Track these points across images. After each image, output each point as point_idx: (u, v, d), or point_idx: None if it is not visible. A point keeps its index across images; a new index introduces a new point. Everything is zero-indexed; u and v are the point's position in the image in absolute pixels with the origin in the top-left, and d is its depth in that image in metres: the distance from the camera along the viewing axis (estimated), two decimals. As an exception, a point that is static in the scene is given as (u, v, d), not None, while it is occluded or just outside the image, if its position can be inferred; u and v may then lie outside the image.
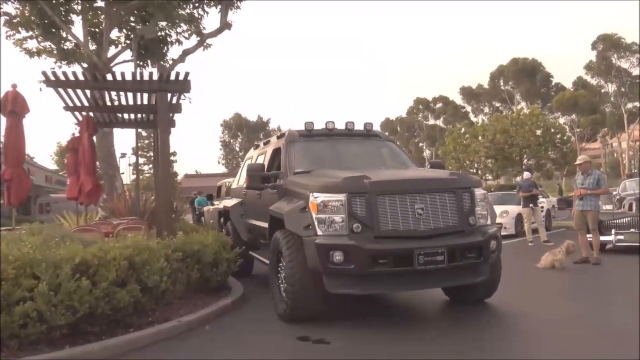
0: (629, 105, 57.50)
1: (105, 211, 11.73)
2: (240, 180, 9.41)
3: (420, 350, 4.55)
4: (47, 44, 14.53)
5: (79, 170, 9.98)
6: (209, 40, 14.45)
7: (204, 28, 14.39)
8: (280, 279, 5.82)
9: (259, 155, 8.42)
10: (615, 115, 58.52)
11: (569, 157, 19.48)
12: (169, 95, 7.76)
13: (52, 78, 7.02)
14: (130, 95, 8.93)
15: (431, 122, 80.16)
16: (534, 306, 6.12)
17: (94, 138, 9.48)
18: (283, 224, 5.81)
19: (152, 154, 58.56)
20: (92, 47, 14.33)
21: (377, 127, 7.54)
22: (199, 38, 14.25)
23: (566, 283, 7.86)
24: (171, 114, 8.96)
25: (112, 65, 13.41)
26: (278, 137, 7.53)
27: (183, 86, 7.61)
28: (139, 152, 61.97)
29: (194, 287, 6.16)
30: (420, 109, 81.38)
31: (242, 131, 77.74)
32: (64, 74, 7.03)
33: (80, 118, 10.26)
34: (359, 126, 7.47)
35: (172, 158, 63.01)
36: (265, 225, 7.07)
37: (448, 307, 6.26)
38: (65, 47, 14.26)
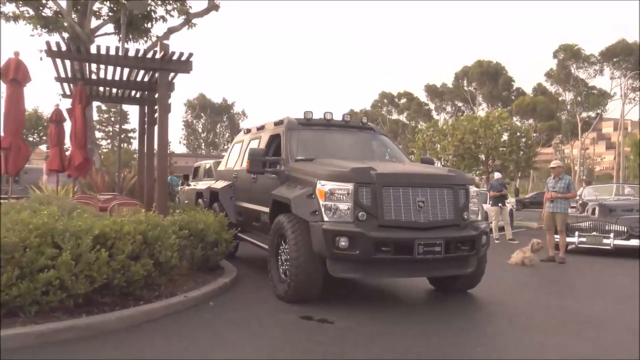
0: (584, 115, 59.94)
1: (84, 185, 11.60)
2: (229, 162, 9.54)
3: (419, 330, 4.91)
4: (25, 9, 14.10)
5: (62, 142, 9.90)
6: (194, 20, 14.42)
7: (190, 7, 14.31)
8: (280, 261, 6.06)
9: (251, 140, 8.56)
10: (570, 123, 60.89)
11: (532, 161, 20.44)
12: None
13: (55, 49, 6.95)
14: (118, 70, 8.91)
15: (395, 116, 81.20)
16: (510, 297, 6.63)
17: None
18: (286, 208, 6.05)
19: (110, 128, 56.62)
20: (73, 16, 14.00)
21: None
22: (185, 16, 14.17)
23: (536, 278, 8.42)
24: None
25: (95, 37, 13.19)
26: (276, 124, 7.71)
27: (185, 66, 7.65)
28: (98, 127, 60.57)
29: (196, 265, 6.32)
30: (385, 103, 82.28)
31: (206, 112, 76.72)
32: (67, 45, 6.96)
33: (67, 91, 10.15)
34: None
35: (131, 135, 61.90)
36: (260, 208, 7.31)
37: (434, 295, 6.65)
38: (45, 15, 13.88)
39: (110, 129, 62.95)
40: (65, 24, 13.14)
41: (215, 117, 77.52)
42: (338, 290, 6.47)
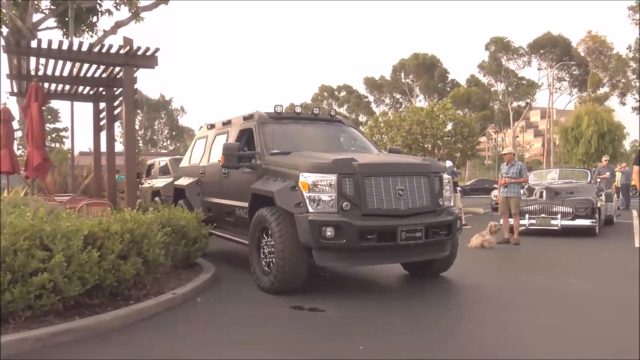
0: (515, 104, 62.82)
1: (33, 187, 11.08)
2: (192, 158, 9.43)
3: (408, 314, 5.13)
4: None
5: (11, 143, 9.43)
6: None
7: (139, 0, 13.89)
8: (262, 254, 6.12)
9: (217, 135, 8.51)
10: (502, 112, 63.67)
11: (475, 149, 21.31)
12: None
13: (13, 44, 6.64)
14: (69, 66, 8.61)
15: (335, 109, 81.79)
16: (481, 278, 7.04)
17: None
18: (267, 201, 6.11)
19: (48, 125, 53.31)
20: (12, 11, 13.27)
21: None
22: (132, 10, 13.75)
23: (498, 259, 8.90)
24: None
25: (36, 31, 12.54)
26: (245, 118, 7.70)
27: (150, 61, 7.52)
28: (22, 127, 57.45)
29: (178, 262, 6.26)
30: (325, 96, 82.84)
31: (142, 109, 74.38)
32: (27, 41, 6.67)
33: (15, 88, 9.68)
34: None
35: (63, 134, 59.15)
36: (234, 203, 7.32)
37: (411, 279, 6.92)
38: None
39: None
40: (5, 18, 12.43)
41: (153, 114, 75.41)
42: (318, 280, 6.61)
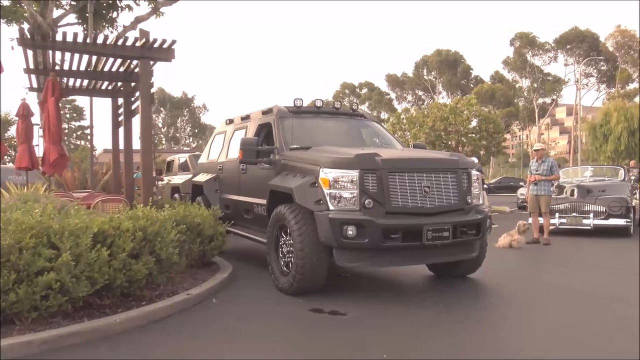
0: (540, 101, 61.55)
1: (53, 183, 11.02)
2: (211, 154, 9.23)
3: (432, 318, 4.81)
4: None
5: (30, 138, 9.34)
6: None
7: (158, -5, 13.79)
8: (281, 254, 5.87)
9: (235, 131, 8.29)
10: (527, 109, 62.45)
11: (501, 146, 20.77)
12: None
13: (28, 36, 6.49)
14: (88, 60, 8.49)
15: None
16: (511, 280, 6.66)
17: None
18: (286, 198, 5.85)
19: (65, 125, 54.18)
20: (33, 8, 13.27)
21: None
22: (152, 5, 13.64)
23: (528, 260, 8.49)
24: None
25: (57, 27, 12.51)
26: (264, 113, 7.45)
27: (167, 54, 7.31)
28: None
29: (193, 261, 6.04)
30: (347, 94, 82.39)
31: (165, 106, 74.99)
32: (42, 33, 6.51)
33: (34, 83, 9.60)
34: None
35: (88, 132, 59.96)
36: (252, 200, 7.09)
37: (435, 281, 6.58)
38: (2, 4, 13.09)
39: (66, 126, 60.68)
40: (26, 14, 12.43)
41: (175, 112, 75.91)
42: (338, 281, 6.32)
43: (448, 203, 5.63)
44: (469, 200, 5.81)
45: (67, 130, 60.72)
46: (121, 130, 9.96)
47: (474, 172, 6.05)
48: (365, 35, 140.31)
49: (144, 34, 7.19)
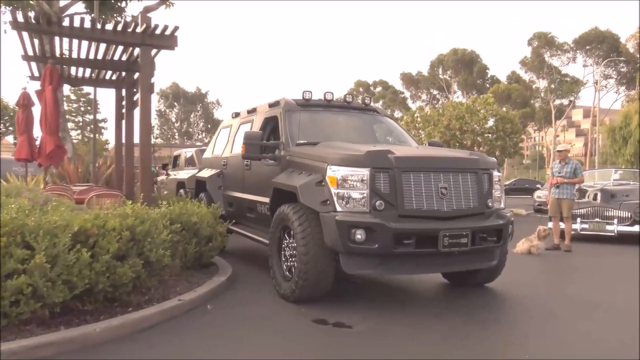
0: (557, 102, 60.47)
1: (55, 176, 10.70)
2: (216, 149, 8.82)
3: (447, 332, 4.33)
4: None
5: (31, 129, 8.99)
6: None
7: (167, -16, 13.42)
8: (284, 257, 5.43)
9: (241, 124, 7.85)
10: (544, 110, 61.41)
11: (518, 147, 20.14)
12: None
13: (22, 20, 6.10)
14: (92, 49, 8.13)
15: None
16: (528, 291, 6.08)
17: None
18: (291, 197, 5.40)
19: (80, 119, 54.38)
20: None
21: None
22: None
23: (548, 267, 7.97)
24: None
25: (64, 16, 12.16)
26: (271, 106, 7.01)
27: (169, 41, 6.90)
28: (67, 117, 58.40)
29: (188, 262, 5.61)
30: (361, 92, 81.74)
31: (179, 101, 74.91)
32: (36, 17, 6.13)
33: (36, 72, 9.26)
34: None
35: (102, 125, 59.92)
36: (256, 198, 6.66)
37: (449, 289, 6.09)
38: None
39: (81, 119, 60.73)
40: (32, 2, 12.10)
41: (189, 107, 75.82)
42: (345, 288, 5.85)
43: (467, 206, 5.13)
44: (490, 204, 5.31)
45: (81, 124, 60.84)
46: (125, 123, 9.59)
47: (496, 173, 5.55)
48: (381, 33, 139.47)
49: (146, 19, 6.77)
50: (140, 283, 4.52)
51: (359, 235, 4.70)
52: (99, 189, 7.72)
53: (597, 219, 10.35)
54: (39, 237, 3.72)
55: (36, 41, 7.88)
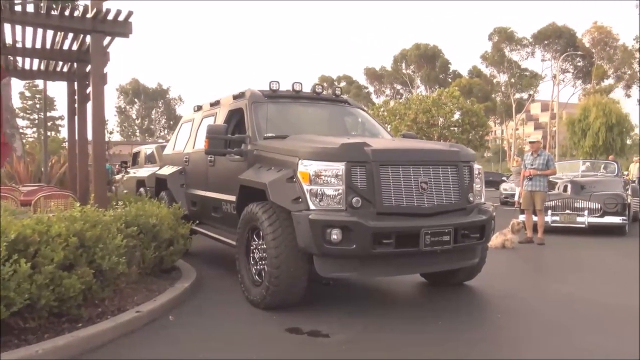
0: (517, 96, 61.58)
1: (3, 176, 9.94)
2: (177, 145, 8.29)
3: (431, 337, 4.00)
4: None
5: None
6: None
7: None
8: (253, 260, 5.00)
9: (203, 118, 7.36)
10: (504, 104, 62.46)
11: (484, 140, 20.22)
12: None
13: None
14: (40, 38, 7.50)
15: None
16: (506, 288, 5.85)
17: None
18: (259, 195, 4.98)
19: (35, 116, 52.42)
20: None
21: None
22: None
23: (523, 262, 7.79)
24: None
25: (17, 3, 11.33)
26: (235, 97, 6.55)
27: (123, 28, 6.36)
28: (22, 114, 55.97)
29: (147, 269, 5.11)
30: (325, 87, 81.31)
31: (140, 98, 73.00)
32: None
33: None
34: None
35: (59, 122, 57.73)
36: (221, 196, 6.22)
37: (427, 289, 5.79)
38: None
39: (36, 116, 58.38)
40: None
41: (150, 103, 74.02)
42: (320, 291, 5.46)
43: (448, 202, 4.82)
44: (471, 199, 5.01)
45: (37, 121, 58.48)
46: (77, 118, 8.95)
47: (476, 166, 5.26)
48: (344, 28, 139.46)
49: (96, 4, 6.21)
50: (92, 294, 4.02)
51: (335, 235, 4.32)
52: (48, 189, 7.12)
53: (567, 211, 10.27)
54: (-32, 247, 3.19)
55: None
